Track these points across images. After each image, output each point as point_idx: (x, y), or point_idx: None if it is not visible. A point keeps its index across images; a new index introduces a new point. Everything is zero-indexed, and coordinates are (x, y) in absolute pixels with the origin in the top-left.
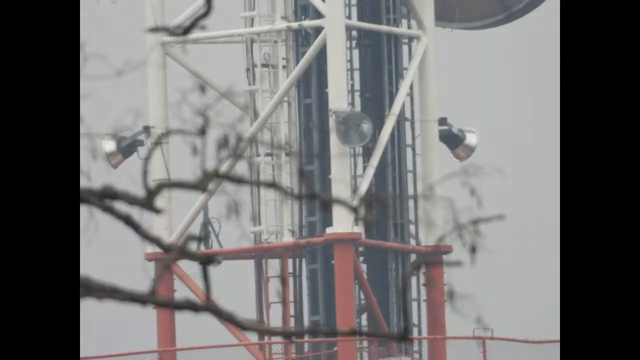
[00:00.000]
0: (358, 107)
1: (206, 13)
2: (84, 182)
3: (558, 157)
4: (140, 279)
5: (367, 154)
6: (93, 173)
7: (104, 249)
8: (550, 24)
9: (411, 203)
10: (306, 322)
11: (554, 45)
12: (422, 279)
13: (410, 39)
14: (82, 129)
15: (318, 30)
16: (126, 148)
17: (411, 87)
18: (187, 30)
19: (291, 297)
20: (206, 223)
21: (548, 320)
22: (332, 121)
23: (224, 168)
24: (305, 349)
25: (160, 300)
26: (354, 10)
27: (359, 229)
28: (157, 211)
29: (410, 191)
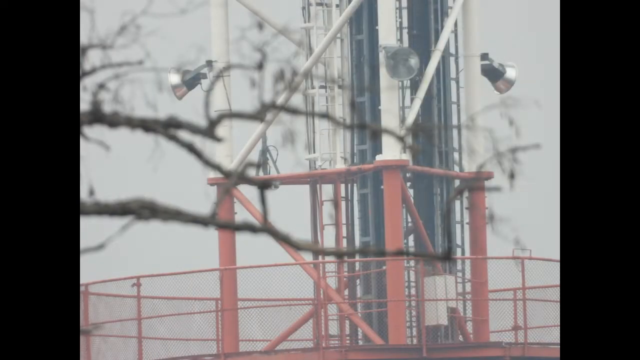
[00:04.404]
0: (406, 44)
1: None
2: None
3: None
4: (203, 203)
5: (414, 86)
6: (159, 104)
7: (169, 174)
8: None
9: (455, 132)
10: (357, 243)
11: None
12: (465, 203)
13: None
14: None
15: None
16: (190, 81)
17: (455, 24)
18: None
19: (343, 220)
20: (264, 150)
21: None
22: (381, 56)
23: (280, 100)
24: (357, 268)
25: (221, 222)
26: None
27: (407, 156)
28: (218, 139)
29: (454, 121)
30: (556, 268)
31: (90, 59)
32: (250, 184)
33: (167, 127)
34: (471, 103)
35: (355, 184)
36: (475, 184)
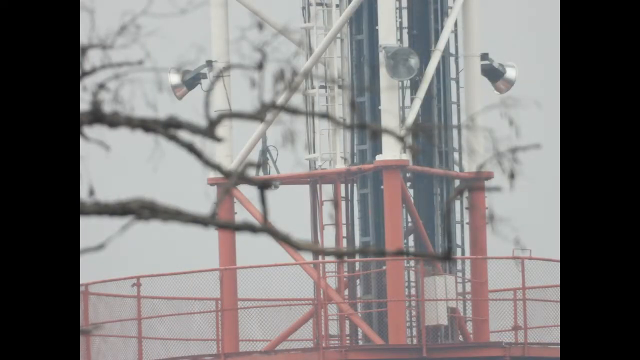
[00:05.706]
0: (406, 44)
1: None
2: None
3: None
4: (203, 203)
5: (414, 86)
6: (159, 104)
7: (169, 174)
8: None
9: (455, 132)
10: (357, 243)
11: None
12: (465, 203)
13: None
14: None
15: None
16: (190, 81)
17: (455, 24)
18: None
19: (343, 220)
20: (264, 150)
21: None
22: (381, 56)
23: (280, 100)
24: (357, 268)
25: (221, 222)
26: None
27: (407, 156)
28: (218, 139)
29: (454, 121)
30: (556, 268)
31: (90, 59)
32: (250, 184)
33: (167, 127)
34: (471, 103)
35: (355, 184)
36: (475, 184)
